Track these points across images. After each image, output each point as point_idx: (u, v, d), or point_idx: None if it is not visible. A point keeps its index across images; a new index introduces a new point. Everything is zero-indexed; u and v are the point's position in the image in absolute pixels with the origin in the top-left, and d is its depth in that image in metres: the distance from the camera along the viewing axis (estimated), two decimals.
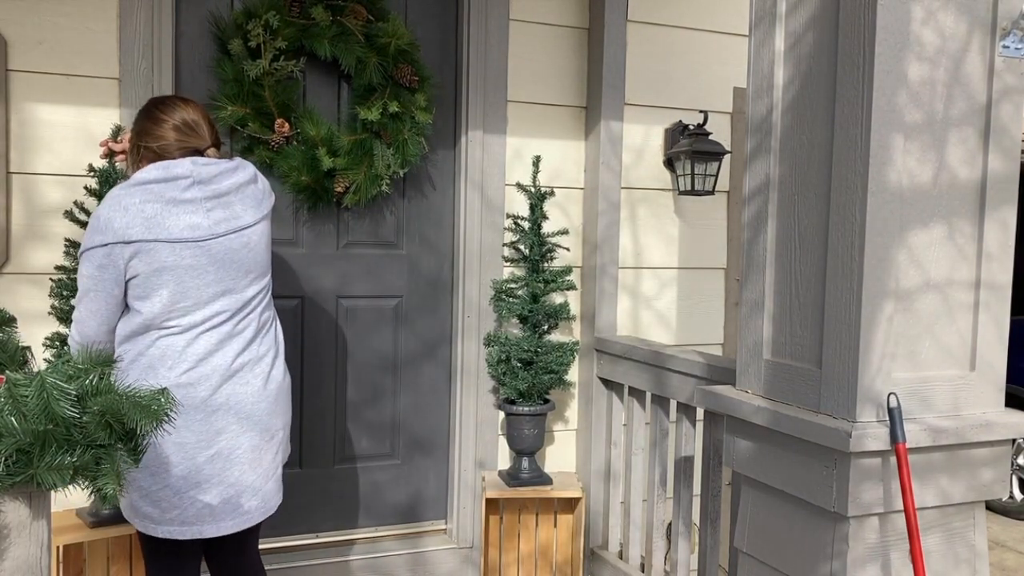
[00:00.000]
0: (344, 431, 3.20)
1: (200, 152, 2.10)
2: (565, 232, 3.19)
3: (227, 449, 2.07)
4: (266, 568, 2.96)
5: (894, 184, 1.79)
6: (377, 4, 2.98)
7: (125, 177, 2.48)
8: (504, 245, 3.24)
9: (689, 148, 3.24)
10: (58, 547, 2.47)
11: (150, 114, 2.09)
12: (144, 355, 2.03)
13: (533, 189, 3.14)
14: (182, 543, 2.12)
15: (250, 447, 2.10)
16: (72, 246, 2.55)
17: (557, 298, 3.27)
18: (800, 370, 1.95)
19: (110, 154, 2.48)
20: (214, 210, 2.05)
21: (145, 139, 2.09)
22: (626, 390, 3.12)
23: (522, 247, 3.17)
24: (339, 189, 2.97)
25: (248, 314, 2.13)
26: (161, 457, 2.02)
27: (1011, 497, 4.98)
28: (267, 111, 2.87)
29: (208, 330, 2.06)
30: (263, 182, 2.22)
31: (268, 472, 2.16)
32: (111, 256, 1.98)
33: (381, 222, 3.20)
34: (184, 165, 2.03)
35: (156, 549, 2.13)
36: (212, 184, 2.06)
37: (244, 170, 2.15)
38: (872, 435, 1.75)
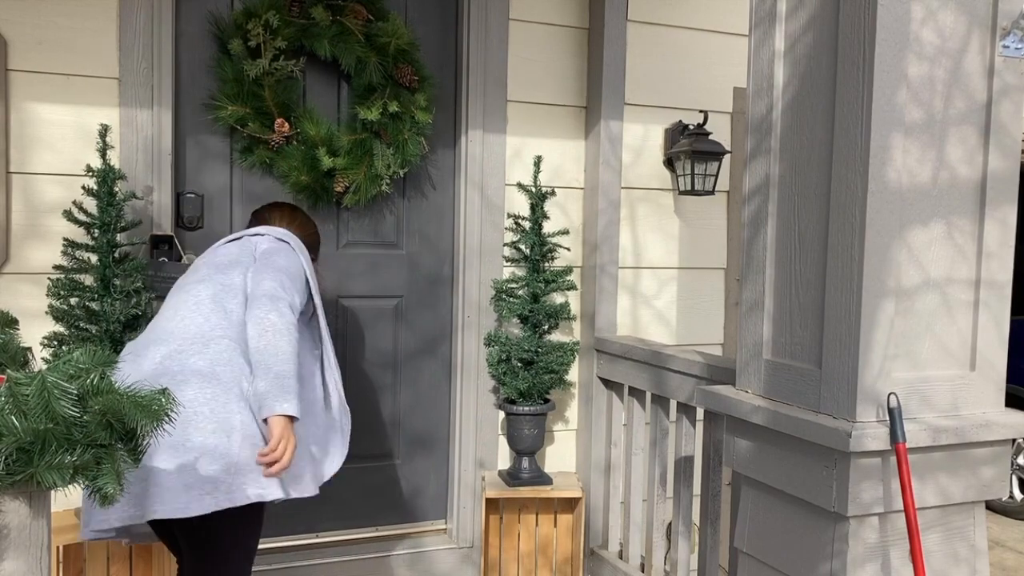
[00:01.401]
0: None
1: None
2: (566, 232, 3.19)
3: None
4: (266, 568, 2.97)
5: (894, 183, 1.79)
6: (377, 4, 2.98)
7: (124, 178, 2.63)
8: (504, 245, 3.24)
9: (689, 148, 3.24)
10: (58, 547, 2.47)
11: (259, 215, 2.48)
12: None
13: (534, 189, 3.13)
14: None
15: None
16: (71, 246, 2.55)
17: (558, 298, 3.27)
18: (800, 370, 1.95)
19: None
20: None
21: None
22: (626, 390, 3.12)
23: (523, 247, 3.16)
24: (339, 189, 2.97)
25: None
26: None
27: (1011, 497, 4.98)
28: (267, 111, 2.87)
29: None
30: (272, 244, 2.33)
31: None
32: None
33: (381, 222, 3.20)
34: None
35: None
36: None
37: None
38: (872, 435, 1.75)
